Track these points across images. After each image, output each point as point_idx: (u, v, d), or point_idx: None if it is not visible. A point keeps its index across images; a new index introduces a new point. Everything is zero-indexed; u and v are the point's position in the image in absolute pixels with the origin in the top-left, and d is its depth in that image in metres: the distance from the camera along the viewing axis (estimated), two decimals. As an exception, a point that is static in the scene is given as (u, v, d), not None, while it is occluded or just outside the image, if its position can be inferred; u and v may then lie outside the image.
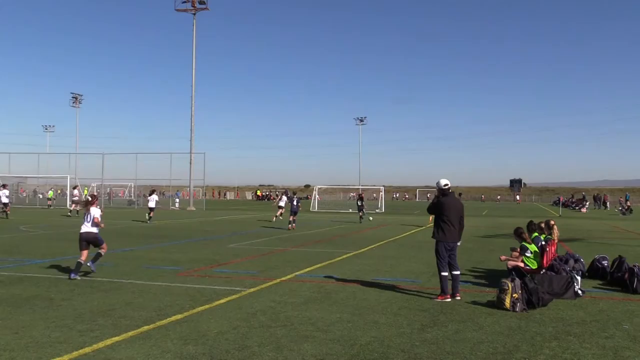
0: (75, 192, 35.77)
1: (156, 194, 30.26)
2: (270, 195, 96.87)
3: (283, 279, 10.47)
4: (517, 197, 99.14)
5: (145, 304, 8.06)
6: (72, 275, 10.08)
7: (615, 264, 10.60)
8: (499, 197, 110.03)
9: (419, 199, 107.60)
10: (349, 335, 6.50)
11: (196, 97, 50.67)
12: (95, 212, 10.62)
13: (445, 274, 8.70)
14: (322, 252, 15.28)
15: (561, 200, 67.38)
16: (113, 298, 8.46)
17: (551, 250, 10.90)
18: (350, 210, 45.32)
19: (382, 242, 18.39)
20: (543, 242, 10.90)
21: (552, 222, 12.03)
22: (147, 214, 28.75)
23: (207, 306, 7.92)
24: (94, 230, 10.59)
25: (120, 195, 74.89)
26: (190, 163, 49.75)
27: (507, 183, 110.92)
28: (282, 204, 29.30)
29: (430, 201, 9.38)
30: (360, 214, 30.81)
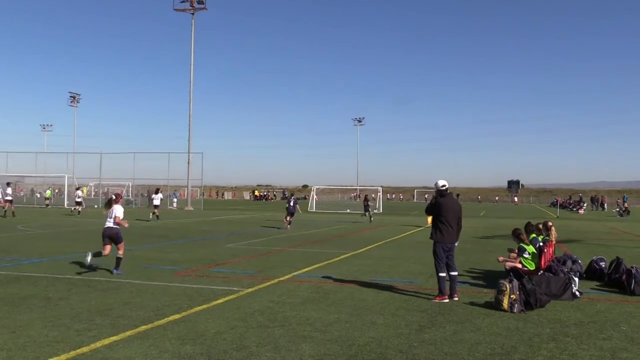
0: (79, 192, 35.96)
1: (161, 193, 30.63)
2: (268, 196, 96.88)
3: (281, 279, 10.46)
4: (515, 198, 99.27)
5: (143, 303, 8.05)
6: (88, 260, 10.67)
7: (613, 265, 10.62)
8: (496, 198, 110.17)
9: (416, 199, 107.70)
10: (347, 335, 6.50)
11: (194, 97, 50.66)
12: (119, 210, 11.04)
13: (443, 274, 8.71)
14: (320, 252, 15.28)
15: (559, 201, 67.56)
16: (111, 298, 8.44)
17: (549, 251, 10.93)
18: (349, 211, 45.36)
19: (380, 243, 18.40)
20: (541, 243, 10.93)
21: (550, 224, 12.05)
22: (151, 213, 29.13)
23: (205, 306, 7.92)
24: (114, 225, 11.01)
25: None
26: (188, 163, 49.73)
27: (505, 184, 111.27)
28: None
29: (429, 202, 9.39)
30: (367, 213, 31.64)
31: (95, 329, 6.55)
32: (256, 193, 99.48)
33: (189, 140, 50.47)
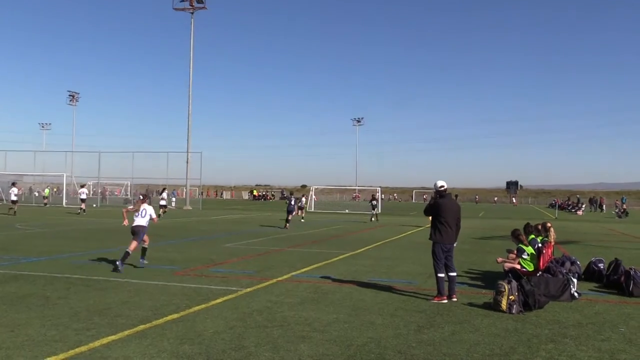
0: (84, 190, 36.18)
1: (167, 192, 31.11)
2: (267, 195, 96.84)
3: (279, 279, 10.46)
4: (514, 199, 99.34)
5: (142, 303, 8.04)
6: (119, 265, 10.90)
7: (612, 266, 10.63)
8: (495, 198, 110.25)
9: (415, 200, 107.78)
10: (345, 335, 6.50)
11: (193, 96, 50.64)
12: (151, 210, 11.84)
13: (442, 275, 8.70)
14: (319, 252, 15.28)
15: (557, 202, 67.62)
16: (109, 297, 8.43)
17: (548, 252, 10.93)
18: (347, 211, 45.37)
19: (378, 243, 18.40)
20: (540, 244, 10.93)
21: (549, 225, 12.04)
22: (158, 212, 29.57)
23: (203, 306, 7.91)
24: (145, 224, 11.67)
25: (116, 193, 74.77)
26: (187, 162, 49.70)
27: (504, 185, 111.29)
28: (301, 204, 31.82)
29: (427, 203, 9.39)
30: (375, 213, 32.53)
31: (94, 328, 6.55)
32: (255, 193, 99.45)
33: (187, 140, 50.49)
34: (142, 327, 6.66)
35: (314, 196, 52.29)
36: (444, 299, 8.58)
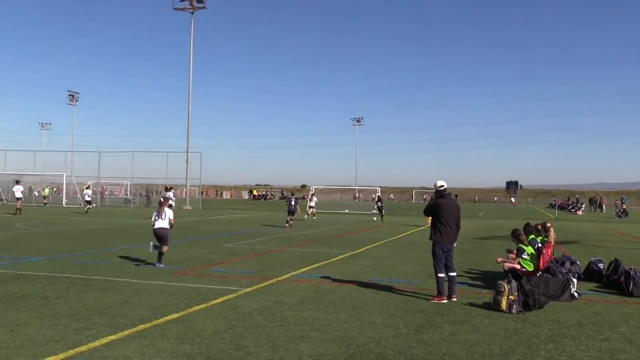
0: (89, 191, 36.46)
1: (172, 192, 31.46)
2: (267, 195, 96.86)
3: (279, 278, 10.46)
4: (513, 199, 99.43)
5: (141, 302, 8.04)
6: (151, 250, 11.84)
7: (611, 266, 10.63)
8: (495, 198, 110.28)
9: (415, 200, 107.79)
10: (345, 335, 6.50)
11: (193, 96, 50.62)
12: (170, 212, 12.32)
13: (442, 275, 8.70)
14: (319, 252, 15.28)
15: (557, 202, 67.62)
16: (109, 297, 8.43)
17: (547, 252, 10.93)
18: (347, 211, 45.37)
19: (378, 243, 18.40)
20: (539, 244, 10.92)
21: (549, 225, 12.04)
22: None
23: (203, 305, 7.91)
24: (166, 226, 12.13)
25: (116, 193, 74.78)
26: (187, 162, 49.69)
27: (504, 185, 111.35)
28: (312, 203, 33.05)
29: (427, 203, 9.39)
30: (381, 213, 32.66)
31: (94, 328, 6.54)
32: (254, 192, 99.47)
33: (187, 140, 50.44)
34: (142, 326, 6.66)
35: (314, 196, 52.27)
36: (444, 299, 8.58)
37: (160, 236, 12.01)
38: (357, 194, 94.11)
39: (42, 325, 6.63)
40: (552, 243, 11.65)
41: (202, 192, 67.82)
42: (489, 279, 10.76)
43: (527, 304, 8.00)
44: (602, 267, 11.09)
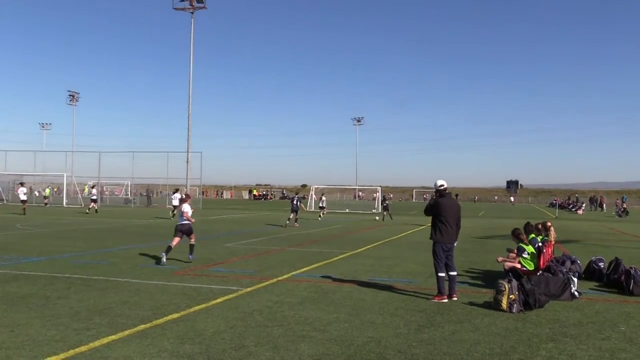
0: (94, 191, 36.66)
1: (179, 193, 32.29)
2: (267, 195, 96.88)
3: (280, 278, 10.46)
4: (512, 198, 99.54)
5: (142, 302, 8.05)
6: (163, 257, 11.94)
7: (612, 265, 10.62)
8: (496, 197, 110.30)
9: (415, 199, 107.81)
10: (345, 335, 6.50)
11: (193, 96, 50.63)
12: (187, 208, 12.81)
13: (442, 274, 8.70)
14: (319, 252, 15.28)
15: (558, 201, 67.61)
16: (109, 297, 8.44)
17: (548, 251, 10.93)
18: (347, 210, 45.37)
19: (378, 243, 18.40)
20: (540, 244, 10.93)
21: (549, 224, 12.06)
22: (171, 211, 31.85)
23: (203, 305, 7.91)
24: (186, 222, 12.65)
25: (116, 193, 74.81)
26: (187, 162, 49.71)
27: (504, 184, 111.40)
28: (324, 204, 34.49)
29: (428, 202, 9.39)
30: (389, 212, 33.24)
31: (94, 328, 6.55)
32: (254, 192, 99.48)
33: (187, 140, 50.49)
34: (142, 326, 6.66)
35: (314, 196, 52.26)
36: (445, 298, 8.58)
37: (184, 231, 12.65)
38: (359, 194, 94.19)
39: (42, 326, 6.63)
40: (553, 242, 11.65)
41: (202, 192, 67.80)
42: (490, 278, 10.76)
43: (528, 303, 8.00)
44: (602, 266, 11.09)
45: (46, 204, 46.48)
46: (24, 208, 31.63)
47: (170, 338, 6.20)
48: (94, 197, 35.63)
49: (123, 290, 8.96)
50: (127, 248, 15.33)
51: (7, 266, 11.42)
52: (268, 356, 5.63)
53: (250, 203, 72.66)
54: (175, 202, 31.29)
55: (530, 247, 10.36)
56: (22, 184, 34.68)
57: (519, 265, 10.11)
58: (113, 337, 6.19)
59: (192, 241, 12.83)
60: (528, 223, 12.03)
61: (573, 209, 58.86)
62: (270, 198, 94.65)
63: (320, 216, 33.66)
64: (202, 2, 50.78)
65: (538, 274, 9.84)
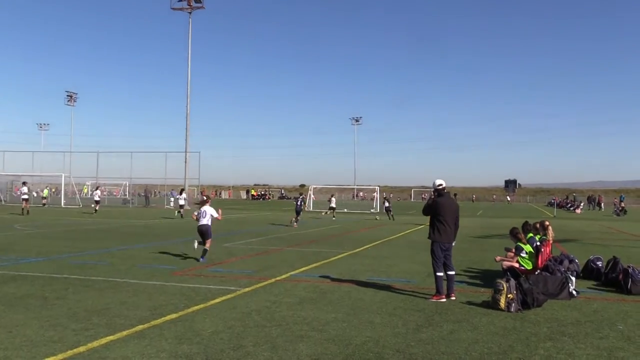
0: (98, 192, 36.79)
1: (185, 193, 32.75)
2: (266, 195, 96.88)
3: (278, 278, 10.46)
4: (508, 197, 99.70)
5: (140, 303, 8.04)
6: (195, 243, 13.06)
7: (610, 264, 10.64)
8: (494, 196, 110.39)
9: (414, 199, 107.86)
10: (344, 335, 6.50)
11: (191, 96, 50.56)
12: (211, 210, 13.24)
13: (441, 274, 8.71)
14: (318, 251, 15.28)
15: (556, 201, 67.68)
16: (107, 297, 8.43)
17: (546, 250, 10.93)
18: (346, 210, 45.37)
19: (377, 242, 18.41)
20: (538, 243, 10.93)
21: (547, 223, 12.06)
22: (177, 211, 32.57)
23: (202, 305, 7.91)
24: (208, 223, 13.07)
25: (115, 194, 74.73)
26: (185, 162, 49.67)
27: (502, 183, 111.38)
28: (333, 205, 34.99)
29: (426, 202, 9.39)
30: (391, 214, 33.66)
31: (92, 329, 6.54)
32: (252, 192, 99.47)
33: (185, 140, 50.44)
34: (140, 327, 6.65)
35: (312, 195, 52.28)
36: (443, 298, 8.59)
37: (202, 232, 12.97)
38: (360, 193, 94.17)
39: (40, 326, 6.63)
40: (551, 241, 11.65)
41: (200, 192, 67.71)
42: (488, 278, 10.77)
43: (526, 302, 8.01)
44: (600, 265, 11.11)
45: (44, 204, 46.39)
46: (27, 208, 31.58)
47: (169, 338, 6.20)
48: (98, 199, 35.78)
49: (121, 291, 8.95)
50: (125, 248, 15.32)
51: (5, 267, 11.40)
52: (266, 356, 5.63)
53: (249, 203, 72.64)
54: (182, 202, 32.21)
55: (528, 246, 10.36)
56: (24, 184, 34.72)
57: (517, 265, 10.12)
58: (111, 337, 6.18)
59: (207, 246, 12.97)
60: (526, 222, 12.02)
61: (571, 208, 58.89)
62: (269, 198, 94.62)
63: (333, 217, 34.11)
64: (200, 2, 50.69)
65: (536, 273, 9.85)
